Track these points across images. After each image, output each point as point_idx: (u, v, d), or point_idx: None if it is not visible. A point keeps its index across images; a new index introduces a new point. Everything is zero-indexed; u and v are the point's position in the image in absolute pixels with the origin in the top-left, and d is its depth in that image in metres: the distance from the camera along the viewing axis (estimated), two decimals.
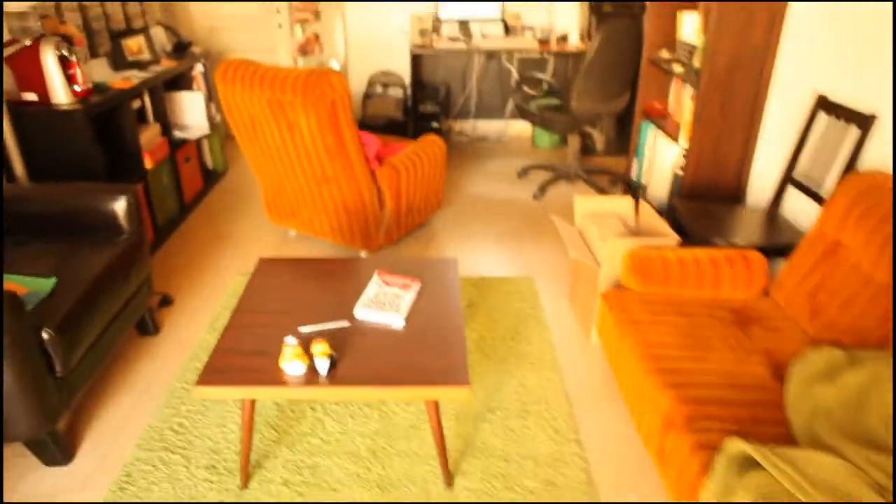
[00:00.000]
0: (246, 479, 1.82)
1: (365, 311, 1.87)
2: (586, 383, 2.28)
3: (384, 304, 1.89)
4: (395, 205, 3.10)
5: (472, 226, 3.55)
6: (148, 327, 2.51)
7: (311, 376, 1.63)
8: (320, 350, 1.61)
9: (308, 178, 2.94)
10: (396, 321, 1.84)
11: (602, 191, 3.89)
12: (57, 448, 1.87)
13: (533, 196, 3.96)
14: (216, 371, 1.64)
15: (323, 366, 1.62)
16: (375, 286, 1.99)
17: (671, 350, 1.86)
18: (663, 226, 2.41)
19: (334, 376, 1.63)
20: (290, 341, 1.61)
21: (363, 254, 3.22)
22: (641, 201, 2.56)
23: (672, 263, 2.13)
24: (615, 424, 2.09)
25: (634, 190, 3.73)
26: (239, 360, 1.68)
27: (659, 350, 1.85)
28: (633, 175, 3.85)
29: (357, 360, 1.69)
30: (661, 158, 3.44)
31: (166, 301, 2.75)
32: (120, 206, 2.26)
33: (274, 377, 1.63)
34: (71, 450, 1.95)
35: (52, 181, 2.68)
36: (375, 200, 3.01)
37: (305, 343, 1.75)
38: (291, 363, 1.62)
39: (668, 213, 3.23)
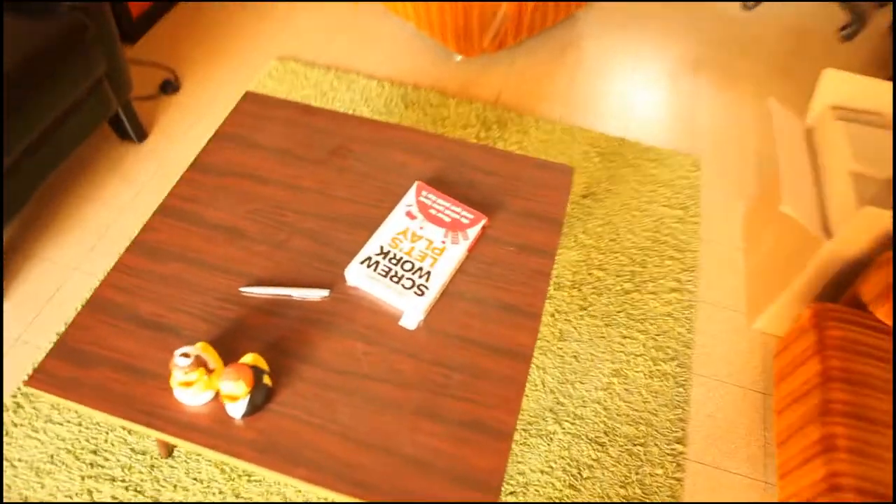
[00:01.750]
0: (168, 451, 1.26)
1: (363, 276, 1.03)
2: (726, 407, 1.42)
3: (402, 269, 1.04)
4: None
5: (635, 41, 2.32)
6: (127, 130, 1.79)
7: (222, 417, 0.90)
8: (231, 391, 0.85)
9: None
10: (410, 315, 1.01)
11: (859, 18, 2.39)
12: None
13: (743, 5, 2.53)
14: (67, 359, 0.94)
15: (237, 409, 0.88)
16: (403, 217, 1.10)
17: None
18: None
19: (258, 430, 0.89)
20: (181, 361, 0.84)
21: (458, 58, 2.19)
22: None
23: None
24: None
25: None
26: (120, 339, 0.96)
27: None
28: None
29: (309, 399, 0.92)
30: None
31: (169, 87, 1.97)
32: None
33: (162, 399, 0.91)
34: None
35: None
36: None
37: (234, 328, 0.98)
38: (185, 391, 0.88)
39: None
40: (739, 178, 1.89)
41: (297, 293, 1.02)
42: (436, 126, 1.94)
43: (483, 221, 1.11)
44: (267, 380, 0.90)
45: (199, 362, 0.86)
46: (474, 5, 1.91)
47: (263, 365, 0.92)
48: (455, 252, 1.06)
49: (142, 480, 1.27)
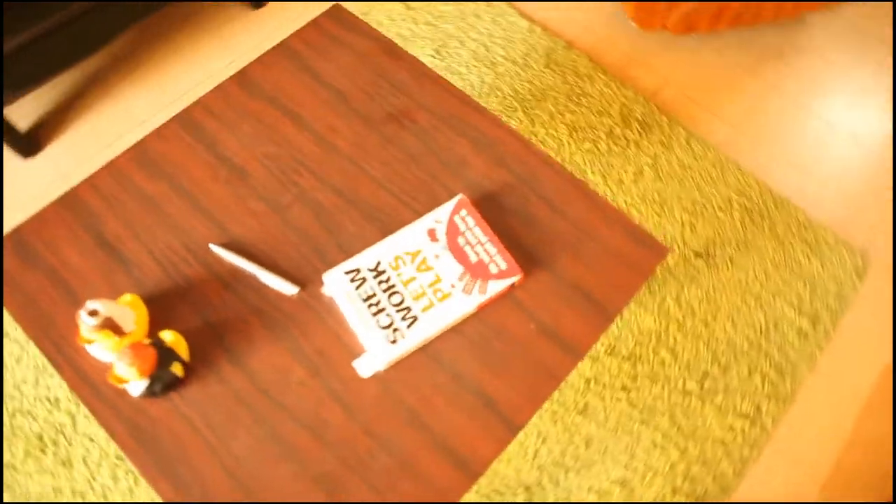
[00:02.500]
0: None
1: (341, 290, 0.84)
2: None
3: (388, 300, 0.84)
4: None
5: (868, 67, 1.80)
6: None
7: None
8: (122, 374, 0.73)
9: None
10: (368, 361, 0.82)
11: None
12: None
13: None
14: (15, 251, 0.86)
15: (134, 389, 0.76)
16: (423, 233, 0.89)
17: None
18: None
19: (149, 416, 0.77)
20: (87, 319, 0.72)
21: (632, 23, 1.81)
22: None
23: None
24: None
25: None
26: (72, 249, 0.86)
27: None
28: None
29: (216, 407, 0.78)
30: None
31: None
32: None
33: (76, 337, 0.82)
34: (34, 143, 1.43)
35: None
36: None
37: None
38: (87, 345, 0.78)
39: None
40: None
41: (266, 277, 0.86)
42: (568, 102, 1.64)
43: (515, 278, 0.87)
44: (177, 369, 0.77)
45: (107, 324, 0.74)
46: None
47: (182, 351, 0.78)
48: (461, 305, 0.84)
49: None
